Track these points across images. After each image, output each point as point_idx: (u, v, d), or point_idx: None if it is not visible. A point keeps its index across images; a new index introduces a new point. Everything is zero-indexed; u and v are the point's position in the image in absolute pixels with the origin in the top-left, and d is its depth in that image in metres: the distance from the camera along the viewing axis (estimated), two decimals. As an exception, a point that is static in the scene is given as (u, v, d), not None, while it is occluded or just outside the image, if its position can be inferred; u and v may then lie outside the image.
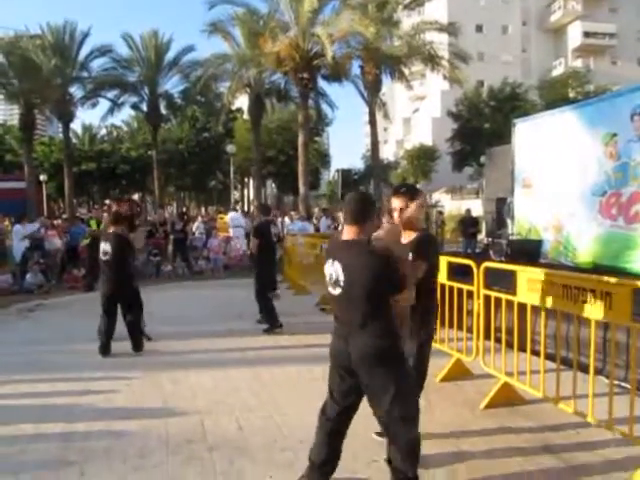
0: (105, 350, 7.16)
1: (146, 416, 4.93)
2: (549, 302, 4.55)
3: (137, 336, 7.40)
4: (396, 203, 4.04)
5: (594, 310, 4.08)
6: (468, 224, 19.29)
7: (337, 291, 3.33)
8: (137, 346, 7.34)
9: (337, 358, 3.45)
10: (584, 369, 4.40)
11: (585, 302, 4.16)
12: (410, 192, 4.11)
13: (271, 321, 8.41)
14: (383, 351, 3.29)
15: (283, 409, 5.07)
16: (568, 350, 5.12)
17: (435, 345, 5.99)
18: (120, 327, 7.35)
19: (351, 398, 3.51)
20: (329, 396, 3.58)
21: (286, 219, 20.22)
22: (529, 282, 4.80)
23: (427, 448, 3.98)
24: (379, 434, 4.30)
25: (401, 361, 3.41)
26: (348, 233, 3.36)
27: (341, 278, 3.27)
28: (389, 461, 3.51)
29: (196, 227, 18.85)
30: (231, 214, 20.23)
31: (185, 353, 7.23)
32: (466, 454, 4.09)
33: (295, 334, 8.12)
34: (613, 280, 3.99)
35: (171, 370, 6.40)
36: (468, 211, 20.53)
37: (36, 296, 12.52)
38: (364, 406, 5.02)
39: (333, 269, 3.32)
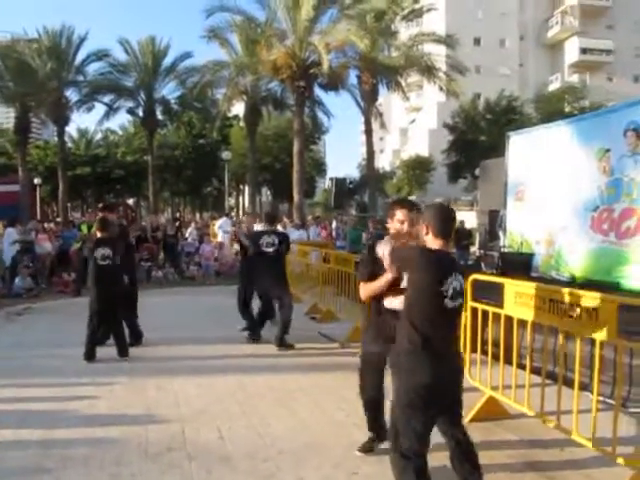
0: (91, 356, 7.08)
1: (127, 423, 4.87)
2: (535, 316, 4.52)
3: (122, 342, 7.33)
4: (408, 216, 3.97)
5: (580, 325, 4.06)
6: (461, 236, 19.24)
7: (457, 302, 3.29)
8: (122, 352, 7.26)
9: (435, 384, 3.21)
10: (570, 384, 4.37)
11: (571, 317, 4.13)
12: (418, 207, 4.08)
13: (251, 330, 8.36)
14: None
15: (266, 419, 5.00)
16: (555, 364, 5.09)
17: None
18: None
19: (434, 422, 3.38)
20: (411, 434, 3.25)
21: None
22: (516, 295, 4.78)
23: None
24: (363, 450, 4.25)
25: None
26: (444, 245, 3.35)
27: (460, 290, 3.30)
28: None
29: (189, 233, 18.81)
30: (220, 220, 20.18)
31: (171, 360, 7.18)
32: (450, 470, 4.01)
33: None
34: (598, 295, 3.97)
35: (156, 377, 6.34)
36: (462, 223, 20.49)
37: (25, 300, 12.44)
38: (345, 415, 5.00)
39: (456, 281, 3.26)
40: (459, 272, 3.30)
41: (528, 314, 4.60)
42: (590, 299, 3.99)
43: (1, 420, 4.96)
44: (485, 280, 5.67)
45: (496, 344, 5.26)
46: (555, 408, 4.21)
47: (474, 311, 5.33)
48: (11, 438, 4.56)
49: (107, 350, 7.22)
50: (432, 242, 3.34)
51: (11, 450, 4.33)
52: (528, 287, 4.70)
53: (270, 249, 7.97)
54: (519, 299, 4.74)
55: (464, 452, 3.45)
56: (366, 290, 4.09)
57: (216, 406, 5.35)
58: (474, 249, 20.95)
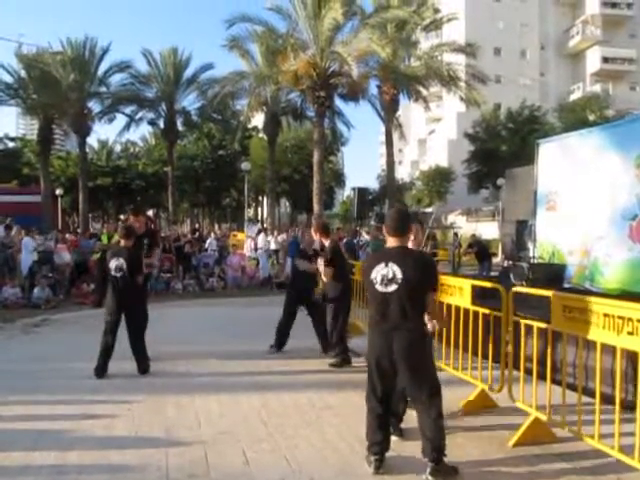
0: (102, 372, 6.75)
1: (146, 446, 4.53)
2: (588, 332, 4.14)
3: (143, 358, 7.02)
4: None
5: (640, 342, 3.67)
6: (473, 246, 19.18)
7: (392, 288, 3.90)
8: (143, 368, 6.95)
9: (379, 353, 3.99)
10: (629, 407, 3.99)
11: (630, 333, 3.76)
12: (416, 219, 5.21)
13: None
14: (421, 341, 3.99)
15: (293, 441, 4.66)
16: (611, 386, 4.69)
17: (457, 374, 5.63)
18: (125, 346, 6.98)
19: (391, 385, 4.10)
20: (370, 389, 4.11)
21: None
22: (565, 309, 4.40)
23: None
24: None
25: (430, 349, 4.29)
26: (395, 242, 4.06)
27: (399, 276, 3.87)
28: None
29: (208, 244, 18.56)
30: (254, 228, 19.93)
31: (191, 376, 6.87)
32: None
33: (308, 358, 7.72)
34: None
35: (176, 394, 6.02)
36: (473, 236, 20.63)
37: (43, 311, 12.24)
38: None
39: (388, 270, 3.91)
40: (396, 262, 3.90)
41: (579, 329, 4.22)
42: (654, 314, 3.62)
43: (12, 441, 4.64)
44: (528, 293, 5.32)
45: (540, 362, 4.89)
46: (607, 432, 3.84)
47: (516, 325, 4.98)
48: (22, 462, 4.23)
49: (125, 366, 6.91)
50: (389, 239, 4.11)
51: (22, 476, 4.01)
52: (579, 300, 4.32)
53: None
54: (568, 313, 4.36)
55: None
56: None
57: (240, 427, 5.01)
58: (497, 260, 20.57)
